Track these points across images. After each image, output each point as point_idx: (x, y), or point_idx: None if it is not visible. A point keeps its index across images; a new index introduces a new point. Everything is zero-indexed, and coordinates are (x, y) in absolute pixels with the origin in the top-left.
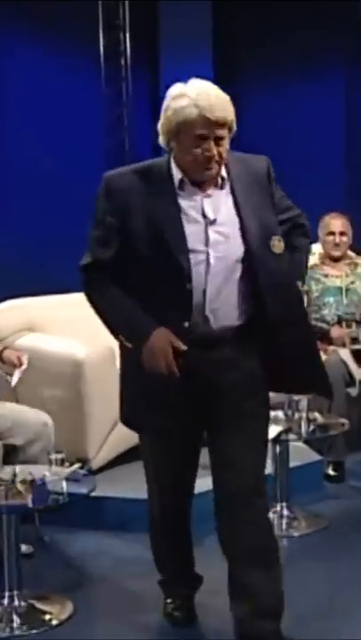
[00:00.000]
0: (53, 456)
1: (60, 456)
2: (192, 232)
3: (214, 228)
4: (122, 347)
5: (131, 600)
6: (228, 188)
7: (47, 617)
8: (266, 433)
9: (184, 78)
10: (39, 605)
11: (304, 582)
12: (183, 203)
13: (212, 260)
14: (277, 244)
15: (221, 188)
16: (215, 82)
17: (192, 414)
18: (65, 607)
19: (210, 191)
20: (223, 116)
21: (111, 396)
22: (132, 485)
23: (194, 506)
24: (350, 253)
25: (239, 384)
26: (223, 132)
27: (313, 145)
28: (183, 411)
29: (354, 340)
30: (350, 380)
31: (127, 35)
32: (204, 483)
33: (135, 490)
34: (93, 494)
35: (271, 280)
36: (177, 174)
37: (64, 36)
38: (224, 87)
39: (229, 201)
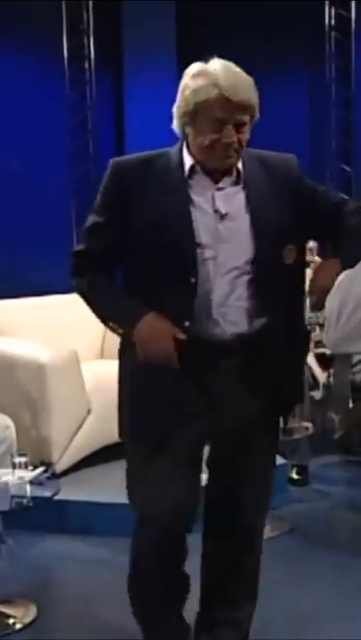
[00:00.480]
0: (17, 459)
1: (23, 459)
2: (201, 225)
3: (225, 223)
4: (122, 352)
5: (95, 603)
6: (242, 184)
7: (11, 621)
8: (273, 465)
9: (148, 81)
10: (3, 609)
11: (269, 585)
12: (193, 192)
13: (221, 258)
14: (289, 254)
15: (236, 183)
16: (179, 86)
17: (195, 427)
18: (29, 611)
19: (223, 184)
20: (245, 99)
21: (75, 400)
22: (96, 489)
23: None
24: (317, 258)
25: (248, 405)
26: (245, 118)
27: (278, 147)
28: (186, 421)
29: (317, 344)
30: (314, 384)
31: (91, 38)
32: None
33: (99, 493)
34: (57, 498)
35: (274, 291)
36: (188, 161)
37: (28, 39)
38: None
39: (242, 198)
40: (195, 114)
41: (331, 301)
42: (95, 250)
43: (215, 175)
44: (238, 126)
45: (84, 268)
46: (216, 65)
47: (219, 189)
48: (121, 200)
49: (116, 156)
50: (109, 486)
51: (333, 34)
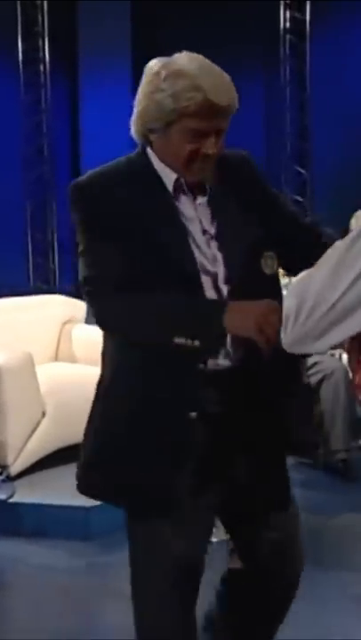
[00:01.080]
0: None
1: None
2: (198, 250)
3: (214, 243)
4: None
5: (50, 607)
6: (207, 196)
7: None
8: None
9: (103, 83)
10: None
11: None
12: (182, 214)
13: (220, 283)
14: (269, 263)
15: (204, 194)
16: (135, 88)
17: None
18: None
19: (200, 199)
20: (231, 103)
21: (29, 402)
22: (50, 491)
23: None
24: None
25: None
26: (225, 124)
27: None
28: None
29: None
30: None
31: (46, 41)
32: None
33: (54, 495)
34: (12, 500)
35: None
36: (169, 175)
37: None
38: None
39: (209, 210)
40: (170, 122)
41: (288, 300)
42: (110, 270)
43: (193, 190)
44: (217, 134)
45: (106, 290)
46: (191, 62)
47: (200, 205)
48: (107, 224)
49: (70, 158)
50: (64, 488)
51: (288, 36)
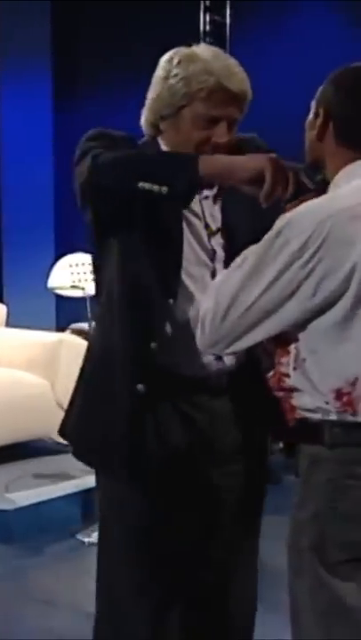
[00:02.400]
0: None
1: None
2: (194, 243)
3: (216, 239)
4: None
5: None
6: (215, 190)
7: None
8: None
9: (23, 81)
10: None
11: None
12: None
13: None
14: None
15: (212, 187)
16: (55, 87)
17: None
18: None
19: (206, 191)
20: (244, 90)
21: None
22: None
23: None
24: None
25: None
26: (238, 113)
27: None
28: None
29: None
30: None
31: None
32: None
33: None
34: None
35: None
36: None
37: None
38: (65, 99)
39: (214, 205)
40: (180, 107)
41: (204, 302)
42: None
43: None
44: (230, 124)
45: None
46: (206, 50)
47: (205, 198)
48: None
49: None
50: None
51: (208, 39)
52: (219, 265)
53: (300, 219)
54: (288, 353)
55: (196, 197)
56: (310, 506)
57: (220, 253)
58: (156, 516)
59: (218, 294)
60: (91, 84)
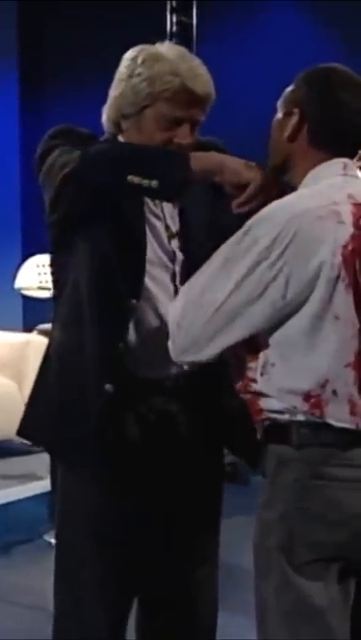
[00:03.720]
0: None
1: None
2: (155, 244)
3: (175, 242)
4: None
5: None
6: None
7: None
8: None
9: None
10: None
11: None
12: (148, 207)
13: (177, 281)
14: None
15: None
16: (22, 87)
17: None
18: None
19: None
20: (209, 92)
21: None
22: None
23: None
24: None
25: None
26: (201, 115)
27: None
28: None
29: None
30: None
31: None
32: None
33: None
34: None
35: None
36: None
37: None
38: (32, 99)
39: (176, 207)
40: (143, 107)
41: (173, 308)
42: None
43: None
44: (193, 125)
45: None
46: (170, 49)
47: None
48: None
49: None
50: None
51: (175, 40)
52: (178, 267)
53: (268, 218)
54: (256, 358)
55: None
56: (278, 506)
57: (180, 256)
58: (113, 513)
59: (187, 295)
60: (58, 83)
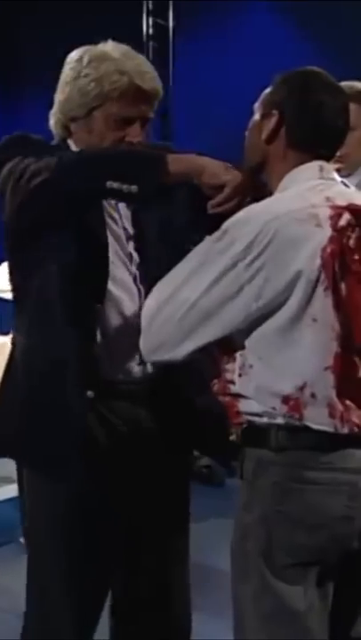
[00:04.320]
0: None
1: None
2: (116, 245)
3: (131, 244)
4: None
5: None
6: None
7: None
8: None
9: None
10: None
11: None
12: (106, 210)
13: (138, 282)
14: None
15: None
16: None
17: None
18: None
19: None
20: (157, 88)
21: None
22: None
23: None
24: None
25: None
26: (150, 112)
27: None
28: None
29: None
30: None
31: None
32: None
33: None
34: None
35: None
36: None
37: None
38: (7, 100)
39: (128, 209)
40: (92, 109)
41: (146, 306)
42: None
43: None
44: (143, 123)
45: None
46: (115, 48)
47: (118, 203)
48: None
49: None
50: None
51: (151, 43)
52: (135, 268)
53: (247, 219)
54: (234, 360)
55: (114, 201)
56: (257, 509)
57: (136, 258)
58: (81, 514)
59: (160, 292)
60: (33, 85)
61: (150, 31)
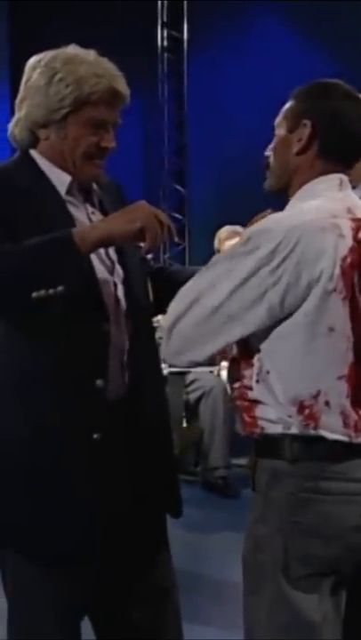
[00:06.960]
0: None
1: None
2: (97, 257)
3: (112, 253)
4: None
5: None
6: (97, 206)
7: None
8: None
9: None
10: None
11: None
12: (76, 217)
13: (120, 294)
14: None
15: (93, 204)
16: (12, 97)
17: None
18: None
19: (90, 208)
20: (128, 92)
21: None
22: None
23: None
24: None
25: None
26: (119, 118)
27: (111, 167)
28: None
29: None
30: None
31: None
32: None
33: None
34: None
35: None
36: (60, 176)
37: None
38: None
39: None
40: (68, 113)
41: (170, 310)
42: None
43: (83, 194)
44: (114, 129)
45: None
46: (84, 52)
47: (93, 212)
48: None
49: None
50: None
51: (166, 55)
52: (118, 279)
53: (271, 226)
54: (251, 366)
55: (84, 211)
56: (272, 521)
57: (119, 270)
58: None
59: (184, 297)
60: None
61: (165, 43)
